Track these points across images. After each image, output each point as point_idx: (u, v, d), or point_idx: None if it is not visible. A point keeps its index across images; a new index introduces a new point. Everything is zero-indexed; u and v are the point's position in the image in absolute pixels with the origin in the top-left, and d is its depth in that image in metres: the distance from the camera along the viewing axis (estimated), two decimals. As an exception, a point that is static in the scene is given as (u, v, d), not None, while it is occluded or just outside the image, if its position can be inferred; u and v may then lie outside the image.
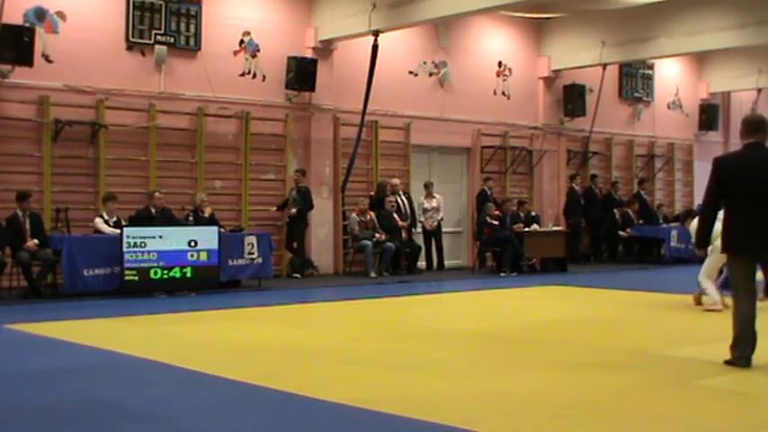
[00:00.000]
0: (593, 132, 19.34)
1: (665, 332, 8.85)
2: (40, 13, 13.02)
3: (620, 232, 18.88)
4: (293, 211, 14.76)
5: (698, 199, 21.86)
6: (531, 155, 18.88)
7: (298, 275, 14.78)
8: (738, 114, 23.22)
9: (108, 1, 13.72)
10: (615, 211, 19.10)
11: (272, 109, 15.25)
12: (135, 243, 11.74)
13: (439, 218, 16.77)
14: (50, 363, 7.22)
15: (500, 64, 18.59)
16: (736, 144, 22.61)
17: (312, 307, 11.48)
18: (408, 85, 17.09)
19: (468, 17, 16.71)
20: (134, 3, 13.80)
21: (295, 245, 14.86)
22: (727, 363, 6.73)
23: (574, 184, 19.03)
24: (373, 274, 15.06)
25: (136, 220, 12.60)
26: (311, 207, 15.05)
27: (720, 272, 10.15)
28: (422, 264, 16.57)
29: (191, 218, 13.05)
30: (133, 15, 13.81)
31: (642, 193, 20.09)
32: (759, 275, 7.00)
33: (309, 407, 5.55)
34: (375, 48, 14.91)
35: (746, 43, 17.19)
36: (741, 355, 6.67)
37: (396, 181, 16.34)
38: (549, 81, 19.20)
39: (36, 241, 11.58)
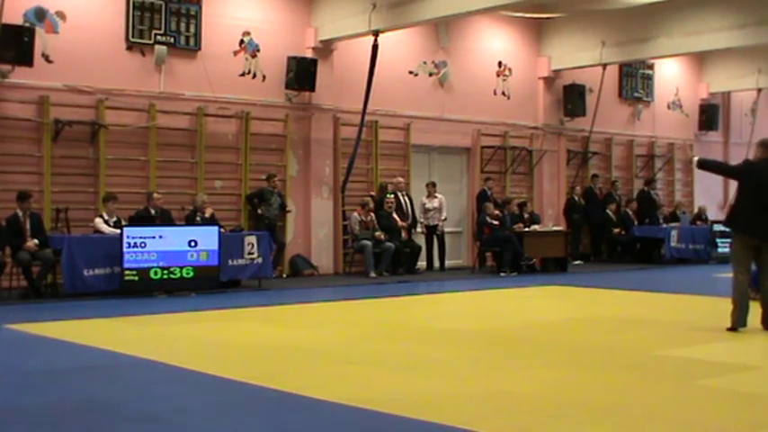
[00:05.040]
0: (593, 132, 19.36)
1: (665, 332, 8.85)
2: (40, 13, 13.02)
3: (615, 229, 18.89)
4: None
5: (698, 199, 21.92)
6: (531, 155, 18.89)
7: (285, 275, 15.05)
8: (738, 114, 23.32)
9: (108, 1, 13.71)
10: (608, 210, 19.06)
11: (272, 109, 15.25)
12: (135, 243, 11.73)
13: (442, 218, 16.77)
14: (50, 363, 7.22)
15: (500, 64, 18.59)
16: (736, 144, 22.79)
17: (312, 307, 11.47)
18: (408, 85, 17.09)
19: (468, 17, 16.71)
20: (134, 3, 13.79)
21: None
22: (730, 329, 8.36)
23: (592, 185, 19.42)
24: (373, 274, 15.06)
25: (135, 221, 12.61)
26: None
27: None
28: (422, 264, 16.57)
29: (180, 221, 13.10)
30: (133, 15, 13.80)
31: (651, 192, 20.08)
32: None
33: (309, 407, 5.54)
34: (375, 48, 14.91)
35: (746, 43, 17.20)
36: (739, 318, 8.35)
37: (400, 179, 16.36)
38: (549, 81, 19.21)
39: (36, 241, 11.57)
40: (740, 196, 8.65)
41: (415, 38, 17.13)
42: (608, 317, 10.40)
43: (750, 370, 6.84)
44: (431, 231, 16.77)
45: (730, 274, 8.69)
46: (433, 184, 16.99)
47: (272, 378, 6.35)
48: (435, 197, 16.83)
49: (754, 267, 8.63)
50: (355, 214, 15.51)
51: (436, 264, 16.84)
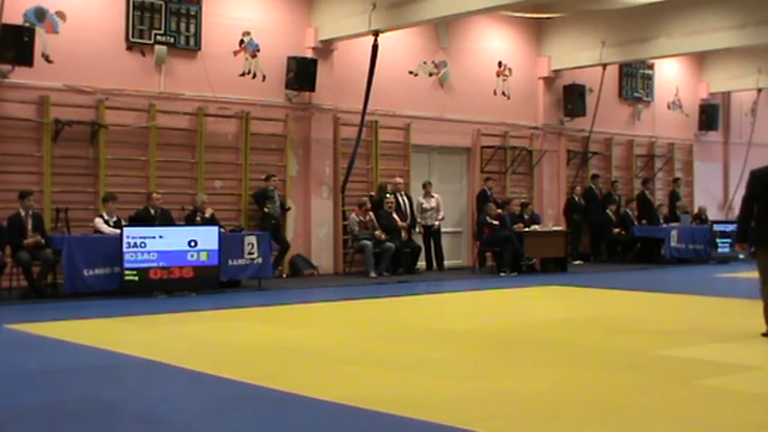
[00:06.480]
0: (593, 132, 19.36)
1: (665, 332, 8.85)
2: (40, 13, 13.02)
3: (615, 229, 18.93)
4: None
5: (698, 199, 21.94)
6: (531, 155, 18.89)
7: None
8: (738, 114, 23.34)
9: (108, 1, 13.72)
10: (608, 211, 19.09)
11: (272, 109, 15.26)
12: (135, 243, 11.74)
13: (440, 217, 16.77)
14: (50, 363, 7.22)
15: (500, 64, 18.59)
16: (736, 144, 22.82)
17: (312, 307, 11.47)
18: (408, 85, 17.09)
19: (468, 17, 16.71)
20: (134, 3, 13.80)
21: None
22: (764, 335, 8.08)
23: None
24: (373, 274, 15.06)
25: (135, 221, 12.61)
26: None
27: None
28: (422, 264, 16.57)
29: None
30: (133, 15, 13.81)
31: (646, 192, 20.17)
32: None
33: (309, 407, 5.55)
34: (375, 48, 14.92)
35: (746, 43, 17.20)
36: None
37: (398, 180, 16.37)
38: (549, 81, 19.21)
39: (43, 241, 11.57)
40: (759, 209, 8.15)
41: (415, 38, 17.13)
42: (608, 317, 10.40)
43: (750, 370, 6.84)
44: (428, 231, 16.77)
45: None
46: (430, 184, 16.98)
47: (272, 378, 6.35)
48: (432, 197, 16.83)
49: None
50: (353, 215, 15.52)
51: (436, 264, 16.84)
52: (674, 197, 20.91)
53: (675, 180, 21.50)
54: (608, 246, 19.40)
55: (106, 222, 12.37)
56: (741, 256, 17.59)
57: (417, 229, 16.67)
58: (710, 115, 22.36)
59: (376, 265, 15.25)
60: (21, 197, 11.73)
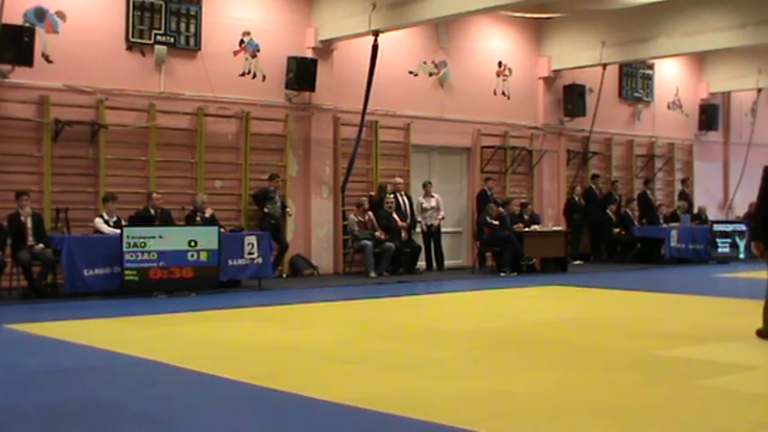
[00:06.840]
0: (593, 132, 19.37)
1: (665, 332, 8.84)
2: (40, 13, 13.02)
3: (615, 229, 18.92)
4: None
5: (698, 199, 21.93)
6: (531, 155, 18.89)
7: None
8: (738, 114, 23.35)
9: (108, 1, 13.72)
10: (608, 211, 19.09)
11: (272, 109, 15.26)
12: (135, 243, 11.74)
13: (440, 216, 16.77)
14: (50, 363, 7.22)
15: (500, 64, 18.59)
16: (736, 144, 22.83)
17: (312, 307, 11.47)
18: (408, 85, 17.09)
19: (468, 17, 16.72)
20: (134, 3, 13.80)
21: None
22: (758, 333, 8.02)
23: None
24: (373, 274, 15.06)
25: (135, 221, 12.62)
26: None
27: None
28: (422, 264, 16.57)
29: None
30: (133, 15, 13.81)
31: (648, 192, 20.18)
32: None
33: (309, 407, 5.55)
34: (375, 48, 14.92)
35: (746, 43, 17.20)
36: None
37: (398, 180, 16.37)
38: (549, 81, 19.21)
39: (42, 245, 11.57)
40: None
41: (415, 38, 17.13)
42: (608, 317, 10.40)
43: (750, 370, 6.85)
44: (428, 231, 16.76)
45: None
46: (430, 184, 16.98)
47: (272, 378, 6.35)
48: (432, 196, 16.84)
49: None
50: (352, 215, 15.52)
51: (436, 264, 16.84)
52: (682, 198, 20.90)
53: (684, 180, 21.53)
54: (608, 246, 19.40)
55: (106, 222, 12.38)
56: (742, 256, 17.64)
57: (417, 229, 16.68)
58: (710, 115, 22.36)
59: (376, 265, 15.25)
60: (17, 197, 11.74)
